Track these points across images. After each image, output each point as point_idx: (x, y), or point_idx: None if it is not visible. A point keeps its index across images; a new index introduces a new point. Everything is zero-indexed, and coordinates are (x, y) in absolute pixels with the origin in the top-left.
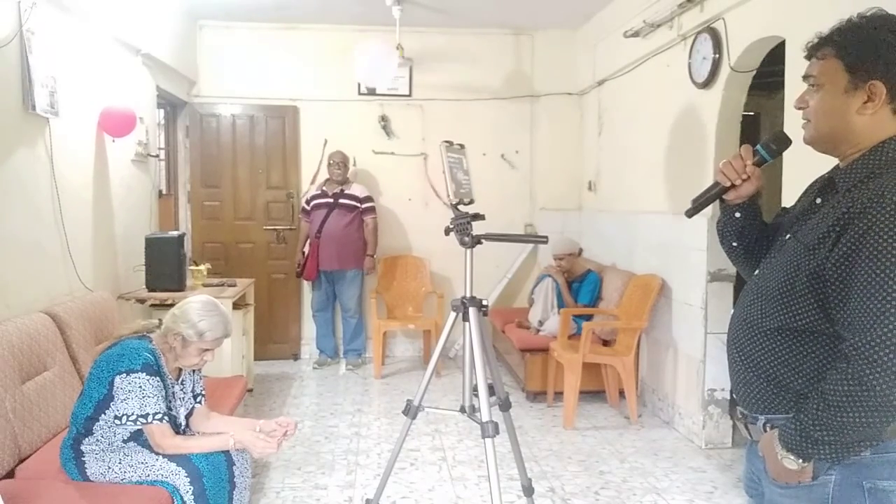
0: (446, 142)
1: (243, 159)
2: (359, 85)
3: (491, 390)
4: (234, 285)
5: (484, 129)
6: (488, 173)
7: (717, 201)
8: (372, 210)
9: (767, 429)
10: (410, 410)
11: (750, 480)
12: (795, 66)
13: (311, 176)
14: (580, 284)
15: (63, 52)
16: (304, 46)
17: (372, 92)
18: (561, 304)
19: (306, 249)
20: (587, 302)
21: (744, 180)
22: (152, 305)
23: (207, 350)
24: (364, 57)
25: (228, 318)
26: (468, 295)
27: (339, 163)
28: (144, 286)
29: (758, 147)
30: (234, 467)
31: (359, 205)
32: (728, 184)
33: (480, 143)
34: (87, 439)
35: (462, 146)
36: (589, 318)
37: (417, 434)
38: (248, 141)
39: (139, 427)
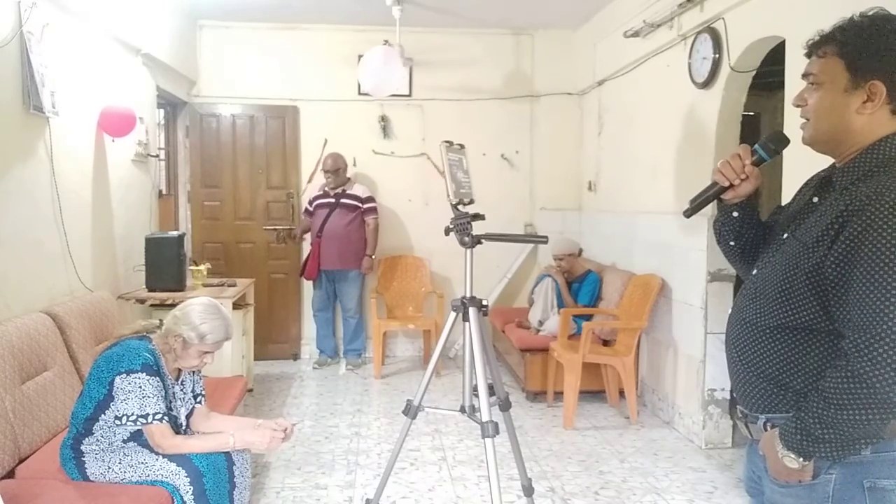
0: (446, 142)
1: (243, 159)
2: (359, 85)
3: (491, 390)
4: (234, 285)
5: (484, 129)
6: (488, 173)
7: (715, 201)
8: (373, 210)
9: (768, 428)
10: (410, 410)
11: (750, 480)
12: (795, 66)
13: (310, 176)
14: (580, 284)
15: (63, 52)
16: (304, 46)
17: None
18: (561, 305)
19: (307, 242)
20: (587, 302)
21: (742, 180)
22: (152, 305)
23: (207, 353)
24: (368, 68)
25: (230, 322)
26: (468, 295)
27: (330, 171)
28: (144, 286)
29: (756, 146)
30: (234, 467)
31: (360, 205)
32: (726, 183)
33: (480, 143)
34: (87, 439)
35: (462, 146)
36: (589, 318)
37: (417, 434)
38: (248, 141)
39: (139, 427)
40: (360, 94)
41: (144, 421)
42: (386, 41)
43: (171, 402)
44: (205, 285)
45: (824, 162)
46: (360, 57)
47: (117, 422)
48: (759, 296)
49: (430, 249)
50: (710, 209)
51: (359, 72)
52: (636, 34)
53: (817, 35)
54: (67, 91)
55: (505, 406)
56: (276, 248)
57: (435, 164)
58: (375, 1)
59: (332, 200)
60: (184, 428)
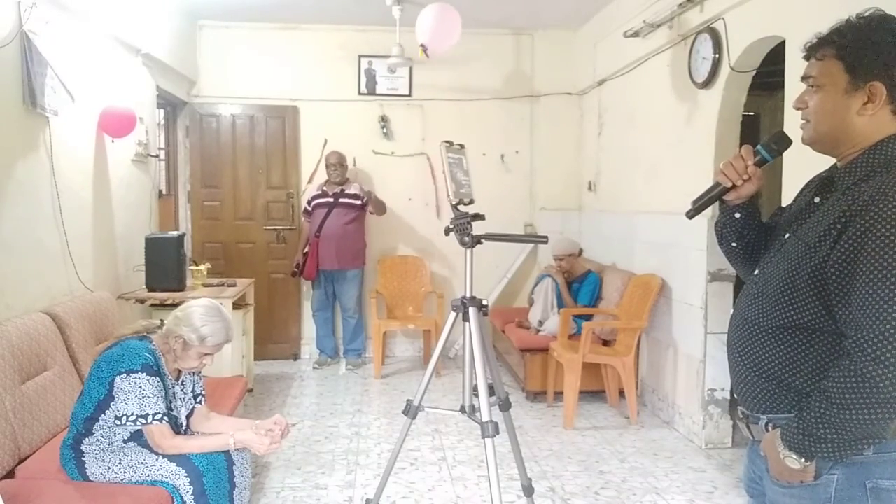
0: (446, 142)
1: (243, 159)
2: (359, 85)
3: (491, 390)
4: (234, 285)
5: (484, 129)
6: (488, 173)
7: (717, 202)
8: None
9: (770, 428)
10: (410, 410)
11: (751, 480)
12: (795, 66)
13: (310, 176)
14: (580, 285)
15: (63, 52)
16: (304, 46)
17: (372, 92)
18: (561, 305)
19: (306, 250)
20: (587, 302)
21: (745, 181)
22: (152, 305)
23: (207, 354)
24: (426, 19)
25: (230, 324)
26: (468, 295)
27: (336, 163)
28: (144, 286)
29: (759, 147)
30: (234, 467)
31: (358, 202)
32: (729, 184)
33: (480, 143)
34: (87, 439)
35: (462, 146)
36: (589, 318)
37: (417, 434)
38: (248, 141)
39: (139, 427)
40: (360, 93)
41: (144, 421)
42: (422, 45)
43: (171, 402)
44: (205, 285)
45: (824, 163)
46: (360, 57)
47: (117, 422)
48: (762, 296)
49: (430, 249)
50: (711, 210)
51: (417, 27)
52: (636, 34)
53: (815, 38)
54: (67, 91)
55: (505, 406)
56: (276, 248)
57: (433, 168)
58: (375, 1)
59: (331, 200)
60: (184, 428)
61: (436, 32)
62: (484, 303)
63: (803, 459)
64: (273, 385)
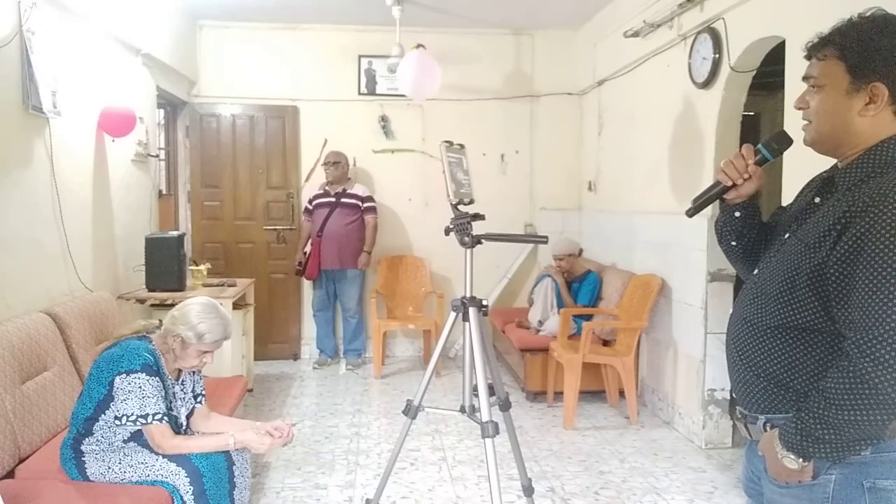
0: (446, 142)
1: (243, 159)
2: (359, 85)
3: (491, 390)
4: (234, 285)
5: (484, 129)
6: (488, 173)
7: (717, 201)
8: (373, 210)
9: (767, 428)
10: (410, 410)
11: (749, 480)
12: (795, 66)
13: (307, 175)
14: (580, 284)
15: (63, 52)
16: (305, 46)
17: (372, 92)
18: (560, 305)
19: (307, 249)
20: (587, 302)
21: (745, 179)
22: (152, 305)
23: (206, 352)
24: (408, 70)
25: (228, 321)
26: (468, 295)
27: (331, 162)
28: (144, 286)
29: (760, 146)
30: (234, 467)
31: (361, 204)
32: (730, 183)
33: (480, 143)
34: (87, 439)
35: (462, 146)
36: (589, 317)
37: (417, 434)
38: (248, 141)
39: (139, 427)
40: (360, 93)
41: (144, 421)
42: (420, 45)
43: (171, 402)
44: (205, 285)
45: (824, 163)
46: (360, 57)
47: (117, 422)
48: (761, 295)
49: (430, 249)
50: (711, 209)
51: (398, 77)
52: (636, 34)
53: (816, 37)
54: (67, 91)
55: (505, 406)
56: (276, 248)
57: (440, 160)
58: (375, 1)
59: (333, 200)
60: (184, 428)
61: (418, 81)
62: (484, 303)
63: (801, 459)
64: (273, 385)
